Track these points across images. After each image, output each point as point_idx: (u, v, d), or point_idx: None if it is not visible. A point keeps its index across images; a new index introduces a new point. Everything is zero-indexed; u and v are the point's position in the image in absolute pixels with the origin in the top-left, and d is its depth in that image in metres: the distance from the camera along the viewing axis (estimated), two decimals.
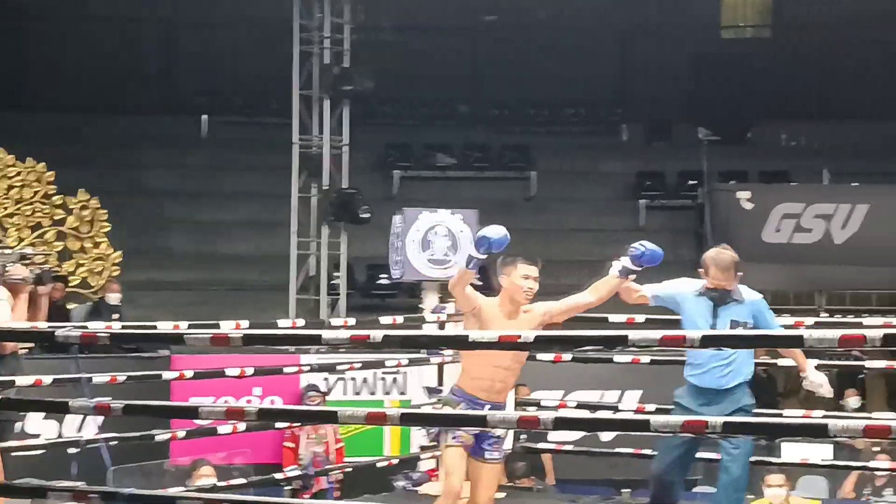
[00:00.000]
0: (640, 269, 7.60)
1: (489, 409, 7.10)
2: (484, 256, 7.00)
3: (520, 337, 5.40)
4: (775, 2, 22.42)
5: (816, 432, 5.20)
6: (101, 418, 11.09)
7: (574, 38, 21.27)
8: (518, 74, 21.18)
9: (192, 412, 6.26)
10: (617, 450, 11.56)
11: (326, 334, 5.69)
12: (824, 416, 8.73)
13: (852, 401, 13.84)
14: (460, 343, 5.92)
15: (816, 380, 8.06)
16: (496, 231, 6.96)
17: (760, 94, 20.98)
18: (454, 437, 7.15)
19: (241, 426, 8.64)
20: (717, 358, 7.79)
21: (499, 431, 7.25)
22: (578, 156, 20.60)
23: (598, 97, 21.70)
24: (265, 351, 10.86)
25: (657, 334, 5.26)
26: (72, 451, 8.45)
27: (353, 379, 12.93)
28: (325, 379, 12.58)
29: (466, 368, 7.26)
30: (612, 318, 10.54)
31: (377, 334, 5.54)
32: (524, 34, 21.39)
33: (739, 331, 7.34)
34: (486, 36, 21.94)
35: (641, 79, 21.60)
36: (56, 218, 15.44)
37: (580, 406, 11.21)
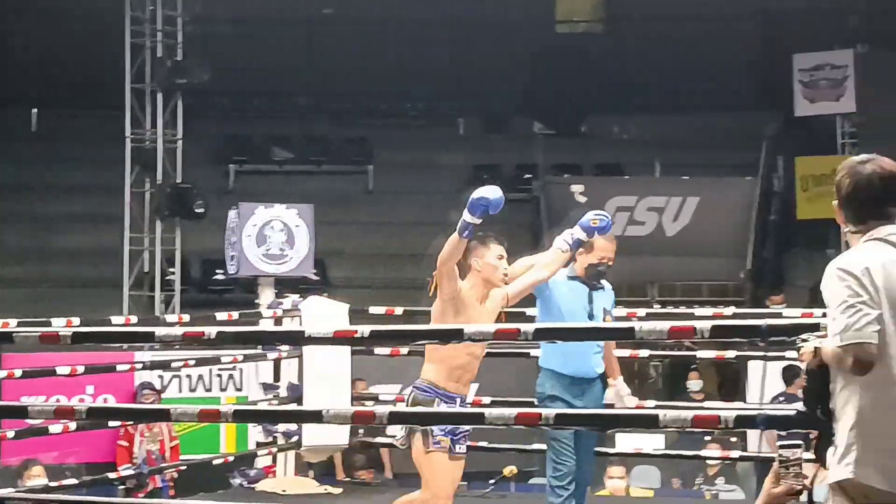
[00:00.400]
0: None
1: (461, 403, 6.91)
2: (479, 221, 6.59)
3: (356, 332, 5.39)
4: None
5: (648, 423, 5.30)
6: None
7: (411, 32, 21.29)
8: (357, 67, 21.12)
9: (22, 412, 6.13)
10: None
11: (160, 331, 5.63)
12: (656, 407, 8.87)
13: (693, 384, 14.09)
14: (295, 339, 5.90)
15: (623, 391, 8.02)
16: (493, 191, 6.62)
17: (594, 87, 21.20)
18: (435, 443, 6.80)
19: (72, 425, 8.50)
20: (595, 345, 7.64)
21: (466, 426, 6.91)
22: (416, 149, 20.63)
23: (436, 90, 21.74)
24: (98, 348, 10.68)
25: (492, 328, 5.31)
26: None
27: (188, 376, 12.79)
28: (160, 376, 12.43)
29: (440, 360, 6.89)
30: None
31: (211, 331, 5.49)
32: (362, 27, 21.35)
33: (577, 323, 7.31)
34: (325, 28, 21.85)
35: (478, 72, 21.67)
36: None
37: None
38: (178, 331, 5.57)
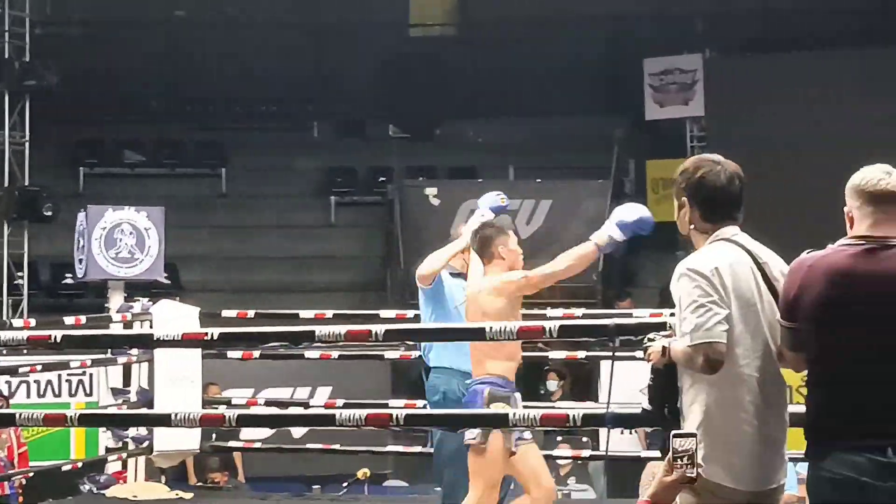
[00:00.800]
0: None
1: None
2: (620, 239, 6.45)
3: (206, 335, 5.36)
4: (461, 1, 22.76)
5: (497, 422, 5.33)
6: None
7: (267, 35, 21.19)
8: (211, 70, 20.96)
9: None
10: (308, 445, 11.63)
11: (4, 335, 5.55)
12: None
13: (550, 384, 14.19)
14: (144, 342, 5.84)
15: None
16: (643, 210, 6.53)
17: (448, 91, 21.28)
18: (517, 441, 6.67)
19: None
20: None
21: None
22: (270, 152, 20.55)
23: (291, 94, 21.66)
24: None
25: (343, 329, 5.31)
26: None
27: (36, 382, 12.60)
28: (7, 382, 12.22)
29: (507, 356, 6.62)
30: (303, 313, 10.57)
31: (57, 334, 5.43)
32: (216, 30, 21.18)
33: (427, 325, 7.28)
34: (180, 31, 21.65)
35: (333, 76, 21.63)
36: None
37: (269, 403, 11.20)
38: (23, 335, 5.48)
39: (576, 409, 5.33)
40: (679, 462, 4.09)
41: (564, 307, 13.25)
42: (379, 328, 5.29)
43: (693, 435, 4.11)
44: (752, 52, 18.79)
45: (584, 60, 20.30)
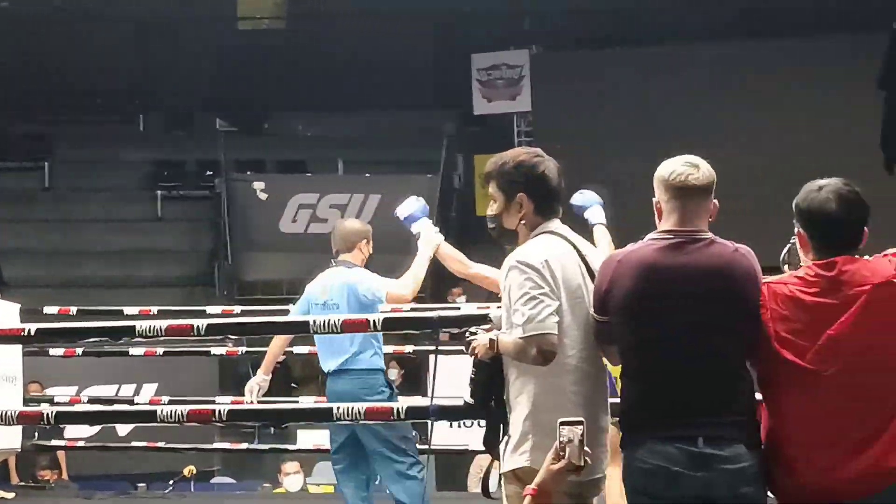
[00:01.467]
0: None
1: None
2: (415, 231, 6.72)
3: (23, 331, 5.26)
4: None
5: (322, 416, 5.31)
6: None
7: (93, 27, 20.83)
8: (35, 62, 20.55)
9: None
10: (133, 443, 11.48)
11: None
12: None
13: (392, 372, 14.23)
14: None
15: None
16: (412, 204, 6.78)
17: (278, 84, 21.15)
18: None
19: None
20: None
21: None
22: (96, 145, 20.21)
23: (117, 87, 21.33)
24: None
25: (164, 324, 5.23)
26: None
27: None
28: None
29: None
30: (128, 310, 10.44)
31: None
32: (41, 21, 20.74)
33: (251, 319, 7.29)
34: (3, 23, 21.17)
35: (161, 69, 21.36)
36: None
37: (93, 401, 11.02)
38: None
39: (399, 403, 5.31)
40: (566, 450, 4.11)
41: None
42: (201, 323, 5.24)
43: (580, 423, 4.13)
44: (579, 49, 18.98)
45: (413, 55, 20.32)
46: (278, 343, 7.90)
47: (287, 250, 17.50)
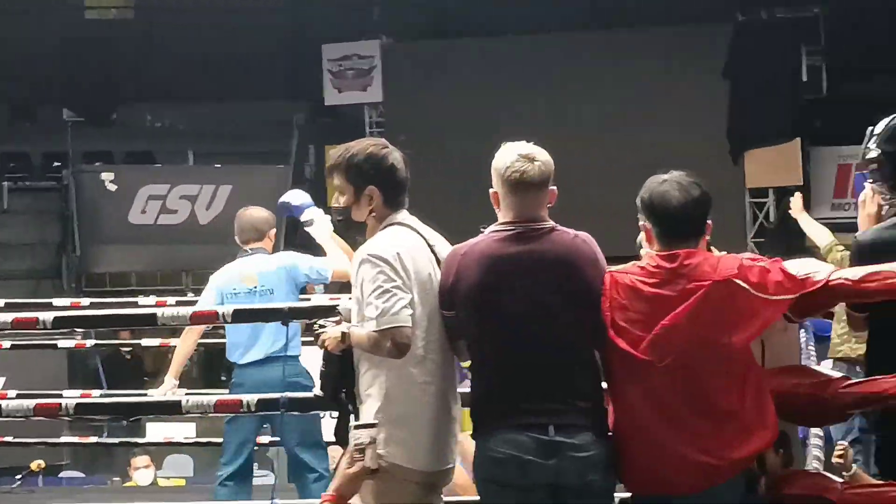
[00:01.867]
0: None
1: None
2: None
3: None
4: None
5: (171, 409, 5.28)
6: None
7: None
8: None
9: None
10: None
11: None
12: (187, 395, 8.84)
13: None
14: None
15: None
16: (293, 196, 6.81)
17: (126, 75, 20.91)
18: None
19: None
20: None
21: None
22: None
23: None
24: None
25: (9, 317, 5.17)
26: None
27: None
28: None
29: None
30: None
31: None
32: None
33: (95, 312, 7.17)
34: None
35: (4, 58, 20.98)
36: None
37: None
38: None
39: (250, 395, 5.30)
40: (359, 454, 4.15)
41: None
42: (47, 316, 5.17)
43: (373, 425, 4.15)
44: (429, 39, 19.04)
45: (264, 45, 20.23)
46: (187, 343, 7.66)
47: (136, 242, 17.35)
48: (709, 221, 4.36)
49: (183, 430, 11.45)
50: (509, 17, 18.49)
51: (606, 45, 18.03)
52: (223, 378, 14.16)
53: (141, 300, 10.67)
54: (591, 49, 18.00)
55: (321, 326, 4.54)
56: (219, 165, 18.61)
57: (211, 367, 15.24)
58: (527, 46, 18.24)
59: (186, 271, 17.56)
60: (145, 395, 9.82)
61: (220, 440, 10.78)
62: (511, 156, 4.41)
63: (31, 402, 5.16)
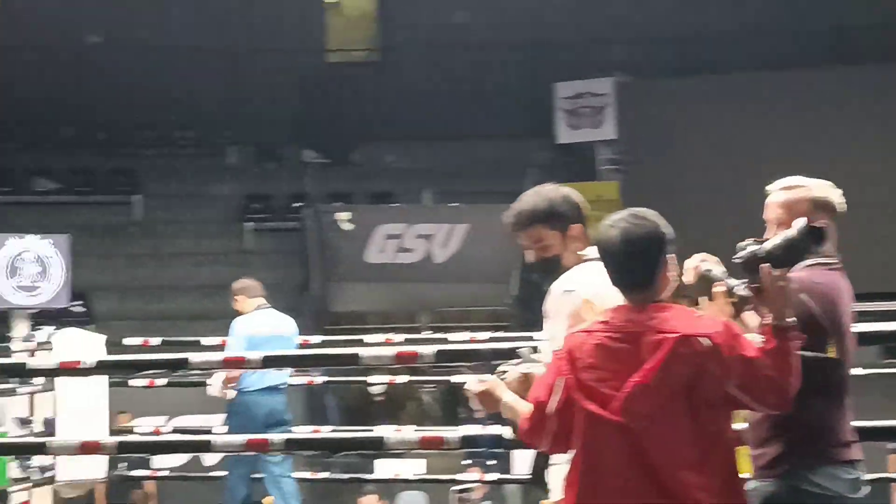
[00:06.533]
0: None
1: None
2: None
3: (80, 363, 5.34)
4: (381, 26, 22.82)
5: (374, 446, 5.35)
6: None
7: (181, 59, 21.11)
8: (124, 96, 20.83)
9: None
10: (219, 473, 11.58)
11: None
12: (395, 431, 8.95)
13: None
14: (16, 371, 5.79)
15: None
16: None
17: (365, 115, 21.30)
18: None
19: None
20: None
21: None
22: (185, 179, 20.44)
23: (206, 119, 21.57)
24: None
25: (219, 356, 5.31)
26: None
27: None
28: None
29: None
30: (206, 340, 10.58)
31: None
32: (130, 55, 21.08)
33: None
34: (92, 56, 21.53)
35: (249, 101, 21.59)
36: None
37: (177, 430, 11.16)
38: None
39: (453, 432, 5.32)
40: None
41: (482, 331, 13.38)
42: (257, 356, 5.29)
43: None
44: (663, 77, 18.95)
45: (498, 84, 20.39)
46: None
47: (373, 280, 17.60)
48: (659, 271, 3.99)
49: (413, 467, 11.56)
50: (744, 53, 18.29)
51: (848, 81, 17.68)
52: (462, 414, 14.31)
53: (367, 339, 10.88)
54: (830, 84, 17.67)
55: (503, 371, 4.47)
56: (455, 204, 18.76)
57: (451, 403, 15.38)
58: (767, 83, 18.00)
59: (423, 310, 17.74)
60: (370, 431, 10.00)
61: (451, 476, 10.97)
62: (834, 190, 4.45)
63: (243, 438, 5.27)
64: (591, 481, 3.91)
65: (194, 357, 5.16)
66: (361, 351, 5.05)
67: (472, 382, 4.32)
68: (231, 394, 9.53)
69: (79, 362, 5.26)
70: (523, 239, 4.72)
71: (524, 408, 4.11)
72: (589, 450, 3.92)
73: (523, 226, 4.73)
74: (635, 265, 3.96)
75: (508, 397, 4.24)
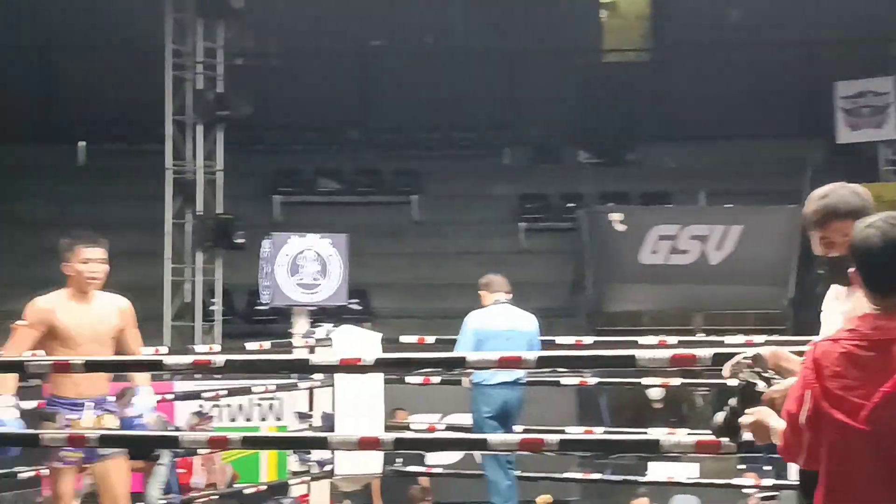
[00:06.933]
0: None
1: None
2: None
3: (360, 360, 5.45)
4: (656, 25, 22.71)
5: (648, 448, 5.31)
6: None
7: (460, 62, 21.40)
8: (406, 98, 21.23)
9: (32, 440, 6.19)
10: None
11: (168, 360, 5.71)
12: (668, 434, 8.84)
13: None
14: (300, 367, 5.94)
15: None
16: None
17: (640, 116, 21.22)
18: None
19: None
20: None
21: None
22: (463, 179, 20.69)
23: (484, 121, 21.83)
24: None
25: (495, 356, 5.34)
26: None
27: (228, 405, 12.84)
28: (200, 406, 12.48)
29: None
30: None
31: (219, 359, 5.57)
32: (411, 58, 21.48)
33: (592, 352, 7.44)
34: (375, 60, 22.02)
35: (526, 102, 21.75)
36: None
37: (450, 428, 11.27)
38: (189, 359, 5.64)
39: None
40: None
41: (756, 334, 13.17)
42: (532, 355, 5.30)
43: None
44: None
45: (776, 84, 20.05)
46: None
47: (646, 282, 17.49)
48: None
49: (686, 470, 11.44)
50: None
51: None
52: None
53: (641, 340, 10.80)
54: None
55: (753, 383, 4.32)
56: (730, 206, 18.50)
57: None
58: None
59: (696, 311, 17.55)
60: (644, 433, 9.92)
61: (725, 481, 10.84)
62: None
63: (518, 437, 5.31)
64: (838, 493, 3.78)
65: (472, 356, 5.21)
66: (638, 353, 5.01)
67: (743, 415, 4.20)
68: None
69: (359, 359, 5.36)
70: (828, 233, 4.56)
71: (781, 425, 4.04)
72: (836, 460, 3.78)
73: (836, 219, 4.57)
74: (894, 268, 3.79)
75: (777, 423, 4.15)
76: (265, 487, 10.81)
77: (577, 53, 21.82)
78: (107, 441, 5.77)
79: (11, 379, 6.37)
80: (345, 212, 19.79)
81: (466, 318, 10.35)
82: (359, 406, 10.44)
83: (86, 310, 6.76)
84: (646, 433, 10.12)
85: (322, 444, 5.72)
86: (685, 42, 21.38)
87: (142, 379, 6.76)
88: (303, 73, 20.75)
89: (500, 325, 10.12)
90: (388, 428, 11.08)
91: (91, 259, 6.89)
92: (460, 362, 5.22)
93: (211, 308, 16.29)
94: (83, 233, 7.05)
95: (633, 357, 5.11)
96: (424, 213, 20.39)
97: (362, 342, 10.86)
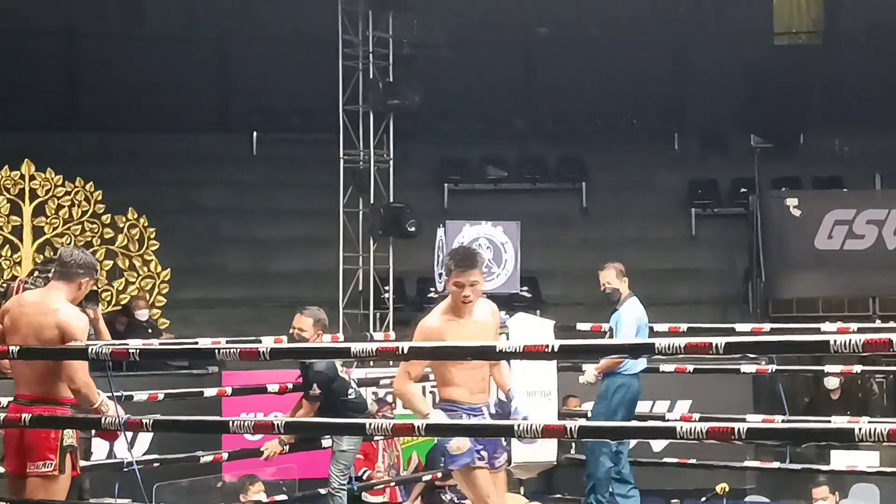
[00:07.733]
0: None
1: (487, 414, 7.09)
2: None
3: (546, 347, 5.42)
4: (828, 8, 22.31)
5: (843, 437, 5.19)
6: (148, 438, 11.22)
7: (627, 50, 21.27)
8: (572, 86, 21.16)
9: (223, 426, 6.28)
10: (665, 459, 11.57)
11: (356, 347, 5.73)
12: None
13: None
14: (485, 353, 5.90)
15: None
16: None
17: (813, 100, 20.87)
18: (479, 458, 7.01)
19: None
20: None
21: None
22: (631, 167, 20.54)
23: (652, 108, 21.66)
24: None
25: (682, 341, 5.26)
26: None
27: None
28: (374, 393, 12.55)
29: (446, 379, 7.02)
30: (658, 327, 10.60)
31: (405, 346, 5.59)
32: (578, 47, 21.41)
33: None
34: (541, 50, 21.99)
35: (694, 88, 21.54)
36: (106, 237, 15.45)
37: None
38: (373, 346, 5.66)
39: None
40: None
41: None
42: (720, 341, 5.21)
43: None
44: None
45: None
46: None
47: (822, 268, 17.19)
48: None
49: (867, 459, 11.22)
50: None
51: None
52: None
53: (823, 327, 10.62)
54: None
55: None
56: None
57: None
58: None
59: (873, 297, 17.22)
60: (828, 421, 9.75)
61: None
62: None
63: (705, 426, 5.23)
64: None
65: (660, 343, 5.14)
66: (832, 338, 4.89)
67: None
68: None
69: (546, 345, 5.32)
70: None
71: None
72: None
73: None
74: None
75: None
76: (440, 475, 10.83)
77: (746, 38, 21.51)
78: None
79: None
80: (512, 200, 19.78)
81: (626, 306, 10.34)
82: (532, 393, 10.44)
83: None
84: (829, 421, 9.98)
85: (507, 431, 5.69)
86: (857, 24, 20.98)
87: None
88: (469, 63, 20.76)
89: (645, 314, 10.43)
90: (561, 416, 11.07)
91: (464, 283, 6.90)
92: (649, 348, 5.16)
93: (382, 296, 16.40)
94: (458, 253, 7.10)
95: (826, 342, 4.99)
96: (592, 202, 20.28)
97: (537, 329, 10.87)
